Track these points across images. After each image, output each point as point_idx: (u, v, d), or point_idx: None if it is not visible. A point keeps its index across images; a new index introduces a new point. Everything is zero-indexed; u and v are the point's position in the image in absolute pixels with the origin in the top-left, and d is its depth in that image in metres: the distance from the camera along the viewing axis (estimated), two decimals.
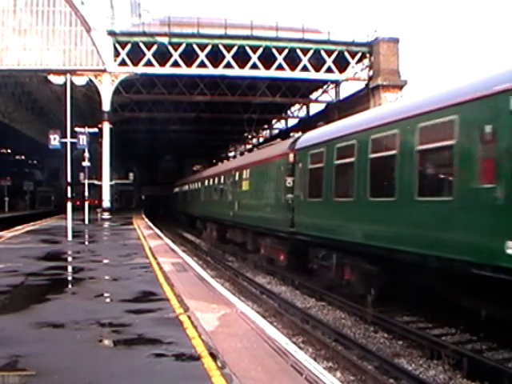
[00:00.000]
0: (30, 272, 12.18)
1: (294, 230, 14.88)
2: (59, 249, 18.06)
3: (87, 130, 28.57)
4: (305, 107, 51.26)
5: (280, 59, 36.06)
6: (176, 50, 35.38)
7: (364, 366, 7.90)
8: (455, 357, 7.83)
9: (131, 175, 44.80)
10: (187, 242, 30.25)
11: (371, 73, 36.74)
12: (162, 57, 35.46)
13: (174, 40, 35.32)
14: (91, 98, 39.40)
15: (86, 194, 33.93)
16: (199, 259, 21.55)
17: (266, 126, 62.73)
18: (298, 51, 36.16)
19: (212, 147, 75.10)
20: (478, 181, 7.64)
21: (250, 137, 65.04)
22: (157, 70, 36.08)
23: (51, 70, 31.65)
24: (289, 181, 15.40)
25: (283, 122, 58.46)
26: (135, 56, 35.54)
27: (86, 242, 20.90)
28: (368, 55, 36.94)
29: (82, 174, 34.52)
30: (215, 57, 35.70)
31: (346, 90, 42.41)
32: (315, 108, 49.41)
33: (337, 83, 41.95)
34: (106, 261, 15.02)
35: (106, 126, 35.96)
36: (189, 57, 35.57)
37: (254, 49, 35.91)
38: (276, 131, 60.90)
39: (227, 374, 5.33)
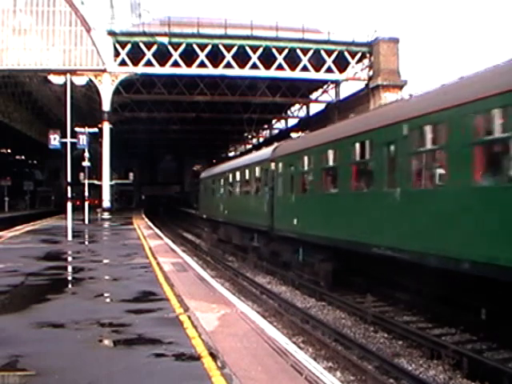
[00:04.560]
0: (30, 272, 12.19)
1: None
2: (59, 249, 18.06)
3: (87, 130, 28.61)
4: (305, 107, 51.28)
5: (280, 59, 36.07)
6: (176, 50, 35.39)
7: (364, 365, 7.90)
8: (455, 357, 7.83)
9: (131, 175, 44.83)
10: (187, 241, 30.23)
11: (371, 73, 36.75)
12: (162, 57, 35.47)
13: (174, 40, 35.33)
14: (91, 98, 39.43)
15: (86, 194, 33.94)
16: (199, 259, 21.53)
17: (266, 126, 62.77)
18: (298, 51, 36.18)
19: (212, 147, 75.19)
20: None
21: (250, 137, 65.10)
22: (157, 69, 36.09)
23: (51, 69, 31.69)
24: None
25: (283, 121, 58.48)
26: (135, 56, 35.55)
27: (86, 242, 20.89)
28: (368, 55, 36.96)
29: (82, 174, 34.54)
30: (215, 57, 35.71)
31: (346, 90, 42.50)
32: (315, 108, 49.48)
33: (337, 83, 41.95)
34: (106, 261, 15.03)
35: (106, 126, 35.97)
36: (189, 57, 35.59)
37: (254, 49, 35.92)
38: (276, 131, 60.99)
39: (227, 373, 5.33)
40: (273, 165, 17.08)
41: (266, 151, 19.58)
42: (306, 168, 15.01)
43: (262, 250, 18.81)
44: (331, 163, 13.41)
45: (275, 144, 19.26)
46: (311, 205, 14.28)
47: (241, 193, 22.09)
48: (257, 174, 19.45)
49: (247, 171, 20.93)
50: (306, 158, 14.94)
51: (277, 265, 17.10)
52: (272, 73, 36.79)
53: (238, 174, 22.58)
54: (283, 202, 16.15)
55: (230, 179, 23.99)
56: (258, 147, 50.35)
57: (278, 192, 16.55)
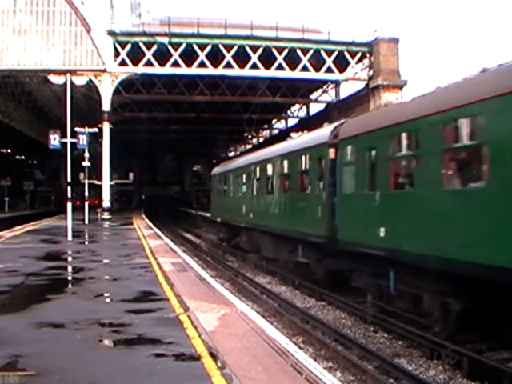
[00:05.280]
0: (30, 272, 12.18)
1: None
2: (59, 249, 18.06)
3: (87, 130, 28.61)
4: (305, 107, 51.28)
5: (280, 59, 36.07)
6: (176, 50, 35.39)
7: (364, 365, 7.90)
8: (455, 357, 7.82)
9: (131, 175, 44.84)
10: (187, 241, 30.24)
11: (371, 73, 36.75)
12: (162, 57, 35.48)
13: (174, 40, 35.34)
14: (91, 98, 39.42)
15: (86, 194, 33.94)
16: (199, 259, 21.53)
17: (265, 126, 62.77)
18: (298, 51, 36.18)
19: (212, 147, 75.16)
20: None
21: (249, 137, 65.11)
22: (157, 70, 36.09)
23: (51, 69, 31.70)
24: None
25: (283, 121, 58.48)
26: (135, 56, 35.55)
27: (86, 242, 20.90)
28: (368, 55, 36.97)
29: (81, 174, 34.55)
30: (215, 57, 35.72)
31: (346, 90, 42.50)
32: (315, 108, 49.48)
33: (337, 83, 41.96)
34: (105, 261, 15.03)
35: (106, 126, 35.97)
36: (189, 57, 35.59)
37: (254, 49, 35.93)
38: (276, 131, 61.01)
39: (227, 373, 5.33)
40: (332, 151, 12.46)
41: (318, 134, 14.61)
42: (404, 151, 9.86)
43: (314, 268, 13.86)
44: (466, 140, 8.23)
45: (332, 124, 14.22)
46: (419, 208, 9.11)
47: (275, 191, 16.75)
48: (303, 165, 14.53)
49: (286, 162, 15.82)
50: (404, 137, 9.84)
51: (340, 291, 12.53)
52: (272, 73, 36.79)
53: (269, 166, 17.61)
54: (356, 204, 11.29)
55: (258, 174, 18.99)
56: (257, 147, 50.26)
57: (345, 188, 11.78)
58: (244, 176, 21.21)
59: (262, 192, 18.39)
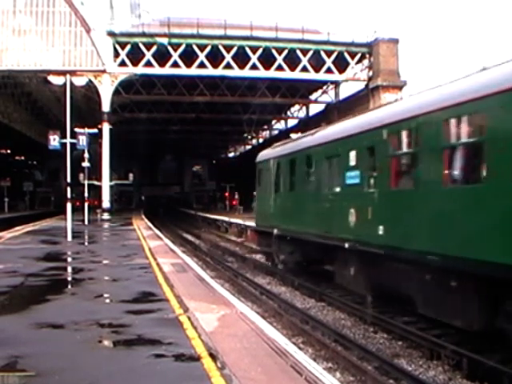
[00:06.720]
0: (29, 273, 12.17)
1: None
2: (59, 249, 18.06)
3: (87, 130, 28.61)
4: (304, 108, 51.32)
5: (280, 60, 36.12)
6: (176, 50, 35.45)
7: (364, 366, 7.89)
8: (455, 357, 7.82)
9: (131, 175, 44.88)
10: (187, 242, 30.22)
11: (371, 73, 36.80)
12: (162, 57, 35.53)
13: (174, 40, 35.40)
14: (91, 99, 39.45)
15: (86, 194, 33.93)
16: (199, 260, 21.51)
17: (265, 127, 62.81)
18: (298, 52, 36.23)
19: (212, 147, 75.27)
20: None
21: (249, 137, 65.15)
22: (156, 70, 36.13)
23: (51, 70, 31.71)
24: None
25: (283, 122, 58.52)
26: (135, 56, 35.62)
27: (86, 243, 20.89)
28: (368, 56, 37.03)
29: (81, 175, 34.54)
30: (215, 57, 35.76)
31: (346, 91, 42.56)
32: (315, 108, 49.51)
33: (336, 84, 42.03)
34: (105, 261, 15.03)
35: (106, 127, 36.01)
36: (188, 57, 35.64)
37: (254, 49, 35.98)
38: (276, 132, 61.04)
39: (227, 374, 5.33)
40: None
41: None
42: None
43: None
44: None
45: None
46: None
47: (492, 179, 7.18)
48: None
49: None
50: None
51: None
52: (272, 73, 36.85)
53: (449, 125, 8.14)
54: None
55: (400, 147, 9.76)
56: (257, 147, 50.27)
57: None
58: (351, 155, 11.54)
59: (430, 184, 8.74)
